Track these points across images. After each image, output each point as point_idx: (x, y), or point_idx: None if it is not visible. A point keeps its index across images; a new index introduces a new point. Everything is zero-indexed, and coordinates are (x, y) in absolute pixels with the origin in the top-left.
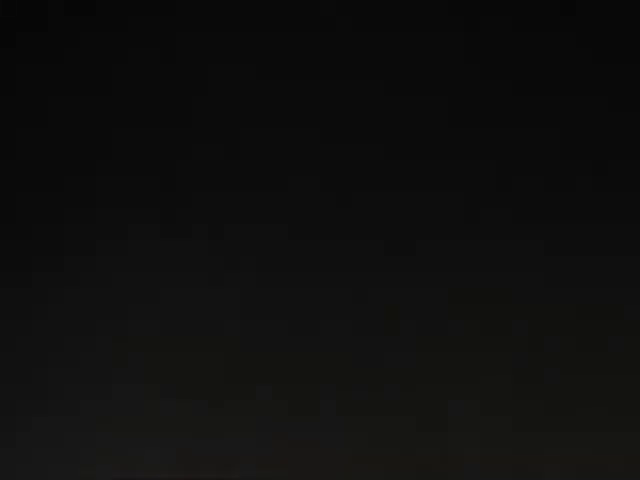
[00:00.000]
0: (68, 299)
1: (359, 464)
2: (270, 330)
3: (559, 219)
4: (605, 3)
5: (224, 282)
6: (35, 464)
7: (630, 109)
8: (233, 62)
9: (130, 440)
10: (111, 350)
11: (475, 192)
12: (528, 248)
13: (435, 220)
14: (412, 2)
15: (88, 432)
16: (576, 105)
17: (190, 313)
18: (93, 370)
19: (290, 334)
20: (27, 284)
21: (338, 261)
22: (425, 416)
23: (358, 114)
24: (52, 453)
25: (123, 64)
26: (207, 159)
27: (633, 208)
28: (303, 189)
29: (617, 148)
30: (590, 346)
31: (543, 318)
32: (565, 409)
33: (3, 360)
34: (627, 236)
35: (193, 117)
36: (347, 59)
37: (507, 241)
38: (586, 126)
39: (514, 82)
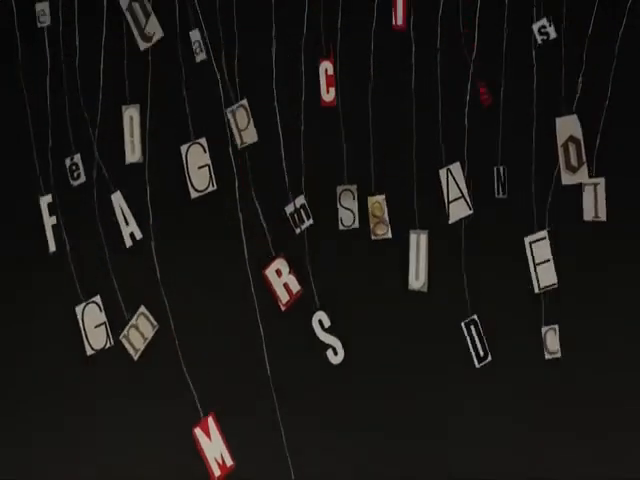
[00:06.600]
0: (68, 301)
1: (359, 464)
2: (272, 333)
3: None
4: None
5: (225, 282)
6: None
7: None
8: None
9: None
10: (110, 348)
11: None
12: None
13: None
14: None
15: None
16: None
17: (191, 313)
18: (92, 367)
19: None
20: (27, 285)
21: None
22: (425, 417)
23: None
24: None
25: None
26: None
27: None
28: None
29: None
30: (590, 345)
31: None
32: (565, 409)
33: (4, 358)
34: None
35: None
36: None
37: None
38: None
39: None
